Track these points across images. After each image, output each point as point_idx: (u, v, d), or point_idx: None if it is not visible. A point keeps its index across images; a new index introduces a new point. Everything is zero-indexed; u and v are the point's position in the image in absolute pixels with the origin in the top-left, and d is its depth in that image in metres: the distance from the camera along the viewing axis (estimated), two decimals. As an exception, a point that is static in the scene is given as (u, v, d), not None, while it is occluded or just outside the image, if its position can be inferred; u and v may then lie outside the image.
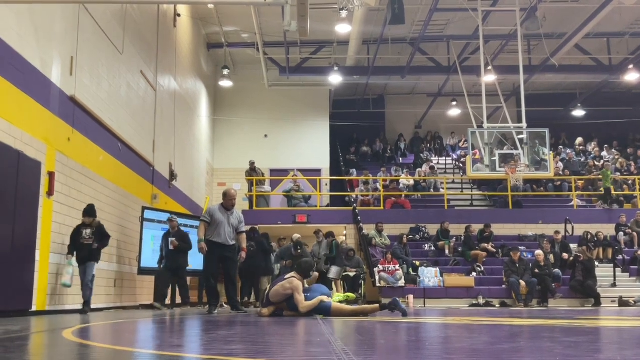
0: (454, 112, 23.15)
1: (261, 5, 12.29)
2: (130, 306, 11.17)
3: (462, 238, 15.82)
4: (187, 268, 11.10)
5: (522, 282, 13.54)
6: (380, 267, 14.06)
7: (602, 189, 18.07)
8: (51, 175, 8.09)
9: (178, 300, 11.37)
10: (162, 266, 10.94)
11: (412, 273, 14.44)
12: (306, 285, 7.41)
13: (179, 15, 15.27)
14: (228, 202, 8.43)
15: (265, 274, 12.88)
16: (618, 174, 19.37)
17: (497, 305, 13.51)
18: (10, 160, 7.01)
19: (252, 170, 17.90)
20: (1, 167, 6.83)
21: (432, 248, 15.96)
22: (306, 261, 7.56)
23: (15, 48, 7.24)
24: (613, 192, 17.99)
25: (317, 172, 20.60)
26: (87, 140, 9.37)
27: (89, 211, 8.71)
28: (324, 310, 6.84)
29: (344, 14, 15.52)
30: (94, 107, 9.54)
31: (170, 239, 10.67)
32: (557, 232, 15.51)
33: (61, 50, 8.53)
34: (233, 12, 17.33)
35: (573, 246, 15.19)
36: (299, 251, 12.84)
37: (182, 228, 12.27)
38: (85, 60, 9.29)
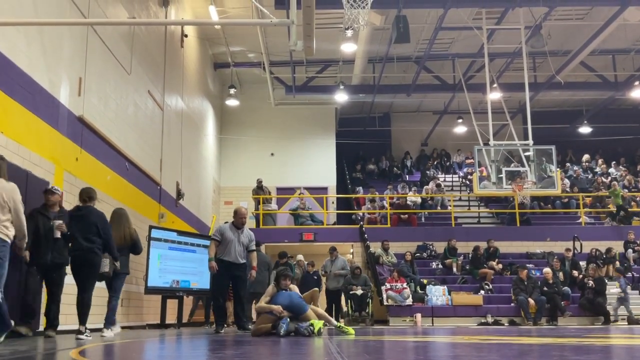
0: (460, 129, 23.19)
1: (267, 25, 12.40)
2: (137, 326, 11.14)
3: (470, 256, 15.73)
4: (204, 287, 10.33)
5: (531, 300, 13.44)
6: (388, 285, 13.99)
7: (610, 206, 18.03)
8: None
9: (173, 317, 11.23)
10: (29, 263, 6.75)
11: (420, 291, 14.36)
12: (296, 290, 7.79)
13: (186, 35, 15.42)
14: (238, 220, 8.46)
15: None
16: (626, 190, 19.29)
17: (505, 324, 13.40)
18: (19, 180, 7.02)
19: (259, 189, 17.92)
20: (10, 187, 6.86)
21: (440, 266, 15.87)
22: (280, 271, 7.96)
23: (24, 69, 7.32)
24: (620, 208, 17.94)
25: (324, 190, 20.61)
26: (95, 160, 9.42)
27: None
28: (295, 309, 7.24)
29: (349, 33, 15.66)
30: (102, 127, 9.61)
31: (54, 222, 6.77)
32: (567, 250, 15.40)
33: (69, 71, 8.62)
34: (239, 32, 17.49)
35: (582, 263, 15.09)
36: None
37: (189, 247, 12.19)
38: (94, 80, 9.38)
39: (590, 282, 13.64)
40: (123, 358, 4.28)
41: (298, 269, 14.39)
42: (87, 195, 6.94)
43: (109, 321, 7.66)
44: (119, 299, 7.73)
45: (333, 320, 8.07)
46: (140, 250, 8.32)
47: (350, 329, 7.48)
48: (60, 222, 6.78)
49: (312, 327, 6.90)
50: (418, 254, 16.30)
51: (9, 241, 5.55)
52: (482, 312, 13.74)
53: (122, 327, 10.06)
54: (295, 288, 7.84)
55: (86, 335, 6.46)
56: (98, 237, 6.73)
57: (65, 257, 6.89)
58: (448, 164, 23.80)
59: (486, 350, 4.67)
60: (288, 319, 6.97)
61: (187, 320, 12.87)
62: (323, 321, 7.28)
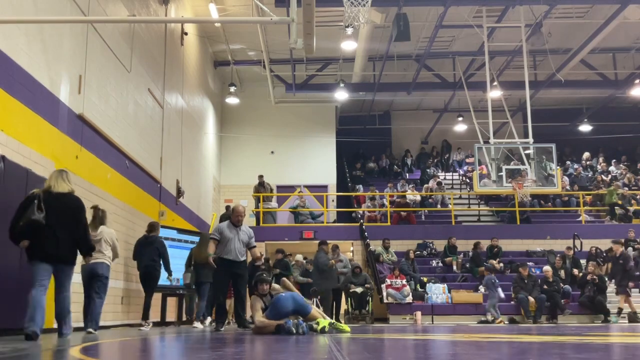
0: (460, 127, 23.19)
1: (268, 23, 12.38)
2: (137, 323, 11.14)
3: (470, 254, 15.74)
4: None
5: (531, 299, 13.44)
6: (388, 281, 13.99)
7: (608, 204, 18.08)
8: (59, 192, 8.11)
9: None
10: None
11: (420, 289, 14.36)
12: (281, 291, 7.53)
13: (186, 33, 15.40)
14: (235, 218, 8.46)
15: None
16: (626, 188, 19.29)
17: (505, 322, 13.40)
18: (19, 178, 7.05)
19: (261, 185, 17.90)
20: (10, 185, 6.86)
21: (440, 264, 15.87)
22: (256, 277, 7.70)
23: (24, 67, 7.32)
24: (619, 206, 17.94)
25: (324, 188, 20.60)
26: (95, 157, 9.42)
27: None
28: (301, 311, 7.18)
29: (349, 31, 15.64)
30: (102, 125, 9.61)
31: None
32: (568, 248, 15.40)
33: (70, 69, 8.61)
34: (240, 30, 17.48)
35: (583, 261, 15.09)
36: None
37: (189, 245, 12.18)
38: (94, 78, 9.38)
39: (595, 278, 13.64)
40: (124, 356, 4.29)
41: (296, 269, 14.38)
42: (150, 227, 9.79)
43: (199, 315, 10.34)
44: (204, 301, 10.39)
45: (327, 317, 8.05)
46: None
47: (346, 327, 7.47)
48: None
49: (316, 325, 6.87)
50: (418, 252, 16.29)
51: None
52: (482, 310, 13.74)
53: (122, 325, 10.08)
54: (279, 288, 7.68)
55: (146, 328, 8.90)
56: (159, 258, 9.44)
57: None
58: (447, 157, 23.77)
59: (486, 348, 4.67)
60: (290, 320, 6.90)
61: (186, 319, 12.86)
62: (329, 320, 7.26)
